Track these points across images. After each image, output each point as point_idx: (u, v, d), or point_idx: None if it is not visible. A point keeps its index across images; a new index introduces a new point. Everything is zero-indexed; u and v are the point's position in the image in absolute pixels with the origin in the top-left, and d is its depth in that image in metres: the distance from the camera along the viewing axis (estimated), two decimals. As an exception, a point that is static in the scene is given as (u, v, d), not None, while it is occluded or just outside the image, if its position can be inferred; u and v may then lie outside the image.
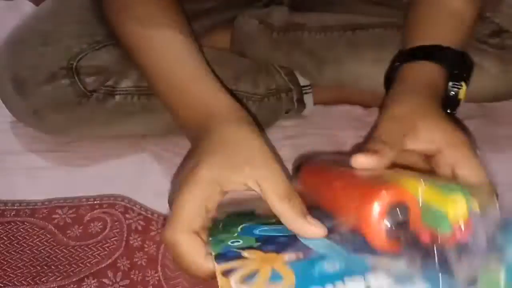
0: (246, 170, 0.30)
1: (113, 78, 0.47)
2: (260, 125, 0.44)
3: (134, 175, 0.50)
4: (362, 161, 0.30)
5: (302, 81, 0.58)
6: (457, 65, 0.41)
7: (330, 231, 0.28)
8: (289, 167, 0.53)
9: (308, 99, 0.59)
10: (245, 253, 0.28)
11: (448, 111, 0.42)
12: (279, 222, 0.30)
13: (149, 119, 0.50)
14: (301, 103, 0.58)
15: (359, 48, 0.55)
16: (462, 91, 0.42)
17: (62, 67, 0.46)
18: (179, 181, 0.31)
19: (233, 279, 0.25)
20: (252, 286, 0.25)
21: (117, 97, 0.48)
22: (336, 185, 0.30)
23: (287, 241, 0.28)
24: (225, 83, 0.52)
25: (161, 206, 0.48)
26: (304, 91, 0.58)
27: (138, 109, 0.49)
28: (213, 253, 0.28)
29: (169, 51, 0.40)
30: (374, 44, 0.55)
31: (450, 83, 0.41)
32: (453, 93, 0.42)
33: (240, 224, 0.32)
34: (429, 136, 0.33)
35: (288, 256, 0.27)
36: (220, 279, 0.26)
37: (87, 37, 0.47)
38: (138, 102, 0.48)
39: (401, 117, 0.34)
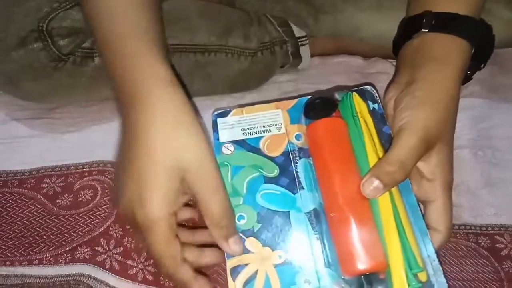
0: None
1: (89, 39, 0.44)
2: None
3: (123, 140, 0.48)
4: (371, 190, 0.32)
5: (298, 32, 0.54)
6: (484, 43, 0.39)
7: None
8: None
9: (305, 51, 0.55)
10: (247, 244, 0.35)
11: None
12: None
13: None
14: (297, 56, 0.54)
15: (359, -6, 0.51)
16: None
17: (32, 30, 0.42)
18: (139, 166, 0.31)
19: (238, 282, 0.33)
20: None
21: (96, 59, 0.44)
22: (329, 176, 0.35)
23: (280, 228, 0.35)
24: (214, 37, 0.49)
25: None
26: (300, 43, 0.54)
27: None
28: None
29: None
30: (374, -11, 0.51)
31: (472, 63, 0.39)
32: (469, 72, 0.41)
33: (246, 178, 0.37)
34: (434, 169, 0.35)
35: (279, 254, 0.34)
36: (229, 281, 0.34)
37: None
38: None
39: (424, 131, 0.34)
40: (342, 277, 0.33)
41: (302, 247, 0.34)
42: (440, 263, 0.33)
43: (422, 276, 0.32)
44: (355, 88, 0.40)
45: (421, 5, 0.41)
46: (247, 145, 0.38)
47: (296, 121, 0.39)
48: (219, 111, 0.40)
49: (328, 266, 0.34)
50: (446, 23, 0.38)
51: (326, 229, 0.35)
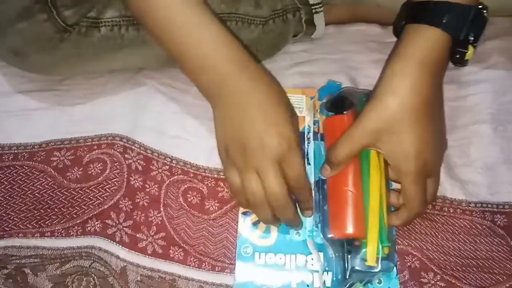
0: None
1: (95, 9, 0.42)
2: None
3: (132, 112, 0.48)
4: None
5: (312, -2, 0.51)
6: (464, 27, 0.39)
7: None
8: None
9: (319, 19, 0.52)
10: None
11: (457, 65, 0.42)
12: None
13: (141, 52, 0.46)
14: (311, 24, 0.52)
15: (378, -45, 0.48)
16: (469, 53, 0.40)
17: (36, 1, 0.41)
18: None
19: (246, 223, 0.43)
20: (253, 231, 0.42)
21: (103, 29, 0.43)
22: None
23: None
24: (224, 4, 0.47)
25: (160, 144, 0.46)
26: (314, 10, 0.51)
27: (128, 42, 0.44)
28: None
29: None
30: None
31: (456, 48, 0.40)
32: (458, 56, 0.40)
33: None
34: (388, 152, 0.39)
35: None
36: (240, 220, 0.43)
37: None
38: (126, 33, 0.44)
39: (385, 120, 0.38)
40: (328, 235, 0.40)
41: (299, 209, 0.42)
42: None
43: (386, 250, 0.39)
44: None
45: None
46: None
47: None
48: None
49: (316, 226, 0.42)
50: (418, 12, 0.39)
51: (322, 198, 0.42)
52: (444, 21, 0.38)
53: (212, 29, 0.39)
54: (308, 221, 0.42)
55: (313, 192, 0.43)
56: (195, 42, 0.38)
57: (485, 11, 0.40)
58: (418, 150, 0.38)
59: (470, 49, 0.40)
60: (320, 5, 0.51)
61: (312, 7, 0.51)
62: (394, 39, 0.53)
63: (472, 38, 0.39)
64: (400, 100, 0.38)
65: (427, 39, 0.38)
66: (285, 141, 0.38)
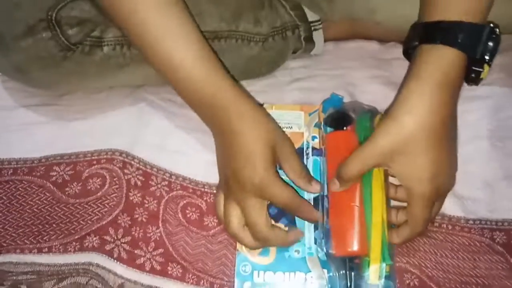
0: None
1: (98, 28, 0.43)
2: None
3: (132, 127, 0.48)
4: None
5: (311, 15, 0.52)
6: (482, 47, 0.38)
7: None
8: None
9: (318, 36, 0.53)
10: None
11: (470, 84, 0.41)
12: None
13: (142, 70, 0.46)
14: (310, 41, 0.52)
15: (374, -26, 0.49)
16: (485, 72, 0.39)
17: (41, 19, 0.41)
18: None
19: None
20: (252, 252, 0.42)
21: (105, 49, 0.44)
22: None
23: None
24: (224, 22, 0.47)
25: (160, 159, 0.46)
26: (313, 27, 0.52)
27: (129, 61, 0.45)
28: None
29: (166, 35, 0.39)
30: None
31: (472, 67, 0.39)
32: (473, 75, 0.39)
33: None
34: (400, 173, 0.38)
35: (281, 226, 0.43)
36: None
37: None
38: (128, 52, 0.44)
39: (396, 142, 0.37)
40: (330, 251, 0.40)
41: (300, 224, 0.43)
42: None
43: (388, 268, 0.39)
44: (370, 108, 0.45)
45: (420, 15, 0.41)
46: None
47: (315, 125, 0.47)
48: None
49: (315, 243, 0.42)
50: (431, 33, 0.38)
51: (324, 213, 0.42)
52: (459, 40, 0.37)
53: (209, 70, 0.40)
54: (307, 238, 0.42)
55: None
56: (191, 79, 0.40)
57: (497, 29, 0.39)
58: (433, 174, 0.37)
59: (486, 68, 0.39)
60: (319, 22, 0.52)
61: (311, 24, 0.52)
62: (393, 55, 0.54)
63: (488, 57, 0.39)
64: (418, 120, 0.37)
65: (443, 59, 0.38)
66: (257, 178, 0.38)
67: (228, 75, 0.41)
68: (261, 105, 0.47)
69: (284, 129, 0.45)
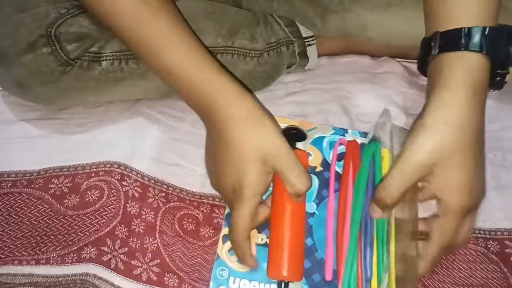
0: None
1: (96, 44, 0.44)
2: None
3: (130, 140, 0.49)
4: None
5: (304, 32, 0.53)
6: (502, 47, 0.37)
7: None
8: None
9: (312, 51, 0.54)
10: None
11: (492, 90, 0.40)
12: None
13: (140, 84, 0.47)
14: (304, 56, 0.54)
15: (367, -8, 0.50)
16: (510, 75, 0.39)
17: (40, 35, 0.43)
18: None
19: (225, 246, 0.42)
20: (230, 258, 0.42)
21: (104, 63, 0.45)
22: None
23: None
24: (220, 38, 0.49)
25: (157, 171, 0.47)
26: (307, 43, 0.54)
27: (127, 75, 0.46)
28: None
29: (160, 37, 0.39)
30: (383, -12, 0.50)
31: (496, 70, 0.38)
32: (498, 78, 0.38)
33: None
34: (439, 186, 0.37)
35: (261, 237, 0.42)
36: (220, 243, 0.42)
37: (65, 1, 0.44)
38: (126, 66, 0.46)
39: (415, 159, 0.36)
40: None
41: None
42: None
43: None
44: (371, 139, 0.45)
45: (432, 26, 0.40)
46: None
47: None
48: None
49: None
50: (452, 40, 0.37)
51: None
52: (482, 44, 0.36)
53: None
54: None
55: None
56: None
57: None
58: (472, 185, 0.36)
59: (510, 70, 0.38)
60: (313, 38, 0.54)
61: (305, 40, 0.53)
62: (385, 69, 0.55)
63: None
64: (458, 130, 0.35)
65: (469, 65, 0.37)
66: (233, 191, 0.38)
67: (222, 75, 0.39)
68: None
69: None
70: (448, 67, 0.37)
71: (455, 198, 0.36)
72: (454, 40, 0.37)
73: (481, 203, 0.39)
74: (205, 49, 0.41)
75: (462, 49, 0.37)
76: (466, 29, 0.37)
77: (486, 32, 0.37)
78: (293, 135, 0.46)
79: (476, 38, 0.36)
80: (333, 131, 0.47)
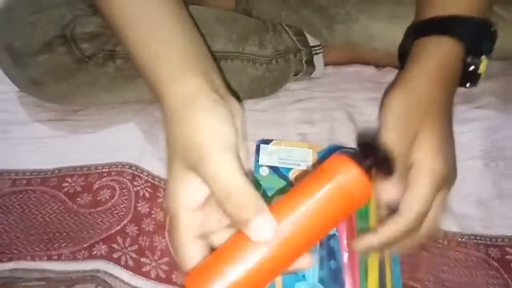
0: None
1: (111, 41, 0.46)
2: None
3: (142, 141, 0.50)
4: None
5: (312, 41, 0.55)
6: (477, 37, 0.39)
7: None
8: (298, 131, 0.52)
9: (318, 60, 0.56)
10: None
11: (468, 85, 0.40)
12: None
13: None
14: (311, 64, 0.56)
15: (373, 4, 0.52)
16: (483, 65, 0.39)
17: (56, 36, 0.44)
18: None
19: None
20: None
21: (118, 61, 0.46)
22: None
23: None
24: (231, 44, 0.50)
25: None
26: (314, 52, 0.55)
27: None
28: None
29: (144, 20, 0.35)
30: (388, 0, 0.51)
31: (469, 58, 0.39)
32: (472, 67, 0.39)
33: (272, 200, 0.39)
34: (414, 155, 0.35)
35: None
36: None
37: (80, 2, 0.46)
38: None
39: (406, 124, 0.35)
40: None
41: None
42: None
43: None
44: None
45: (416, 16, 0.42)
46: (279, 172, 0.47)
47: None
48: (264, 139, 0.49)
49: (319, 282, 0.40)
50: (428, 27, 0.39)
51: (327, 253, 0.41)
52: (454, 30, 0.38)
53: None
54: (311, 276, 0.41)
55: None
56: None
57: (493, 26, 0.40)
58: (445, 152, 0.35)
59: (484, 60, 0.39)
60: (320, 47, 0.56)
61: (312, 49, 0.55)
62: (389, 79, 0.57)
63: (485, 48, 0.39)
64: (429, 98, 0.36)
65: (440, 47, 0.38)
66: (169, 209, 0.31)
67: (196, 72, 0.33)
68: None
69: (292, 166, 0.46)
70: (423, 47, 0.38)
71: (428, 160, 0.34)
72: (428, 27, 0.39)
73: (452, 184, 0.37)
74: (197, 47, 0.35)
75: (434, 34, 0.38)
76: (440, 17, 0.38)
77: (459, 21, 0.38)
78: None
79: (449, 25, 0.38)
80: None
